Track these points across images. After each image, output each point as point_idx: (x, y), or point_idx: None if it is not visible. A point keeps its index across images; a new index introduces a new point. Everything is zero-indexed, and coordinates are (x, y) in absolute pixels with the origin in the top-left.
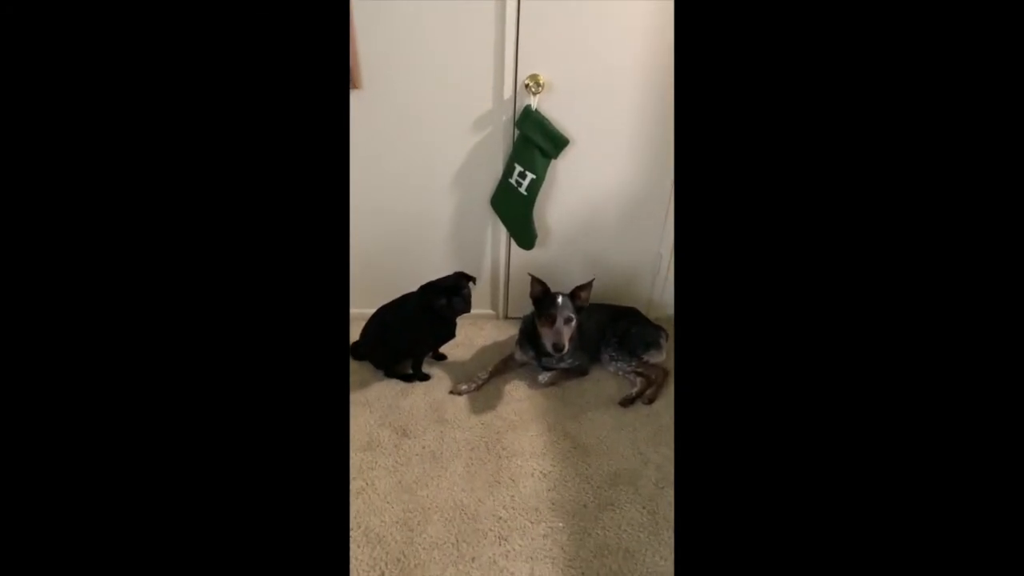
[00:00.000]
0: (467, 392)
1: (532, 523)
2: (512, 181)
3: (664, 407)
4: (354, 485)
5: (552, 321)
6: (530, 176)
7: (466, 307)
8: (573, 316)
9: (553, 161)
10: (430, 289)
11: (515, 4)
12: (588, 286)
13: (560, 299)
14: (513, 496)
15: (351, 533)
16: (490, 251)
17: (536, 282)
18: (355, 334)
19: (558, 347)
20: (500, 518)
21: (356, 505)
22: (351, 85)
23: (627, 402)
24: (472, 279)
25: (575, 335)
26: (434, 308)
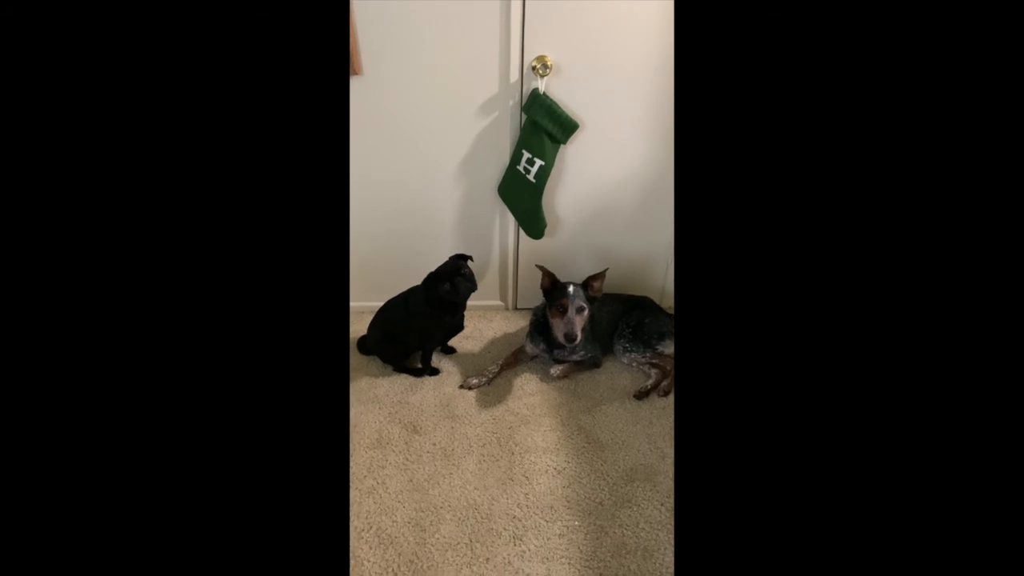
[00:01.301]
0: (477, 386)
1: (547, 522)
2: (520, 168)
3: None
4: (364, 484)
5: (564, 311)
6: (539, 163)
7: (471, 285)
8: (585, 306)
9: (562, 147)
10: (433, 279)
11: None
12: (601, 276)
13: (571, 288)
14: (527, 494)
15: (363, 535)
16: (498, 241)
17: (546, 274)
18: (361, 329)
19: (570, 337)
20: (514, 517)
21: (367, 505)
22: (350, 70)
23: (642, 395)
24: (468, 257)
25: (587, 325)
26: (441, 296)
